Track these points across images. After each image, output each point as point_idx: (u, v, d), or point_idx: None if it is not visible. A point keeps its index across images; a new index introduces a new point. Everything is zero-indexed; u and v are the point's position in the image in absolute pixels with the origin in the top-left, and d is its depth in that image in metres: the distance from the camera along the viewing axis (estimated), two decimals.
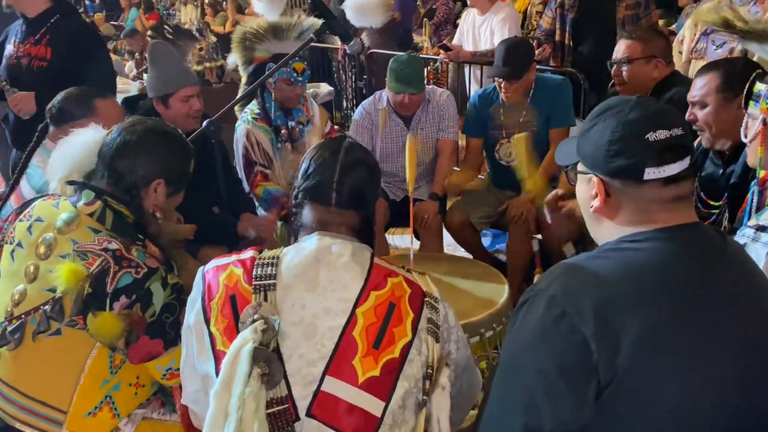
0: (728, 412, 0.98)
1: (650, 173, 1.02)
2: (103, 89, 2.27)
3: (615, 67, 2.50)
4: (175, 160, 1.58)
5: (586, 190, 1.13)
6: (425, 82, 2.89)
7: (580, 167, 1.14)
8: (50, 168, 1.70)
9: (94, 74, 2.77)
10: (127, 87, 4.70)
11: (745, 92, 1.57)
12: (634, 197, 1.05)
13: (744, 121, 1.58)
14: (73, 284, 1.37)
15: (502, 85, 2.86)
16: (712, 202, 1.88)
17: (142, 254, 1.44)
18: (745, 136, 1.57)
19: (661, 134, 1.02)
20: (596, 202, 1.09)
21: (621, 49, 2.49)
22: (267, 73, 2.45)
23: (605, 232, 1.11)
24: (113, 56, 7.33)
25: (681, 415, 0.96)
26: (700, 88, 1.86)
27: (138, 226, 1.52)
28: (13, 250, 1.51)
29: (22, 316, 1.43)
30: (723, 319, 1.00)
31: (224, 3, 8.81)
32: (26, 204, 1.60)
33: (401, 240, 3.58)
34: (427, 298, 1.19)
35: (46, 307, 1.41)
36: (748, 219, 1.60)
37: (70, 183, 1.56)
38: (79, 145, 1.63)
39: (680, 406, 0.96)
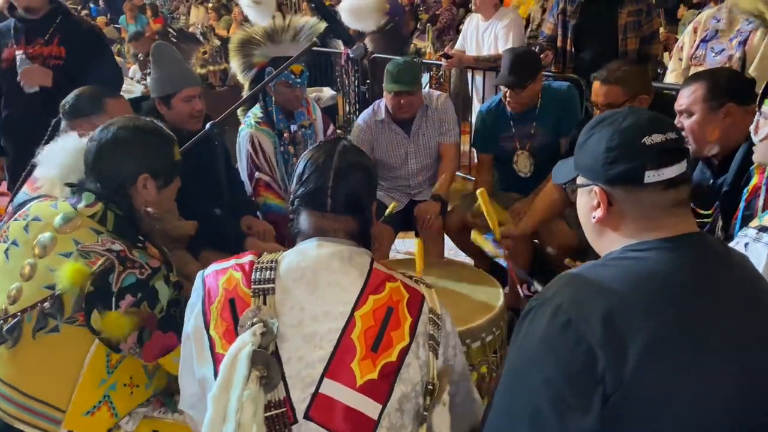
0: (734, 421, 0.98)
1: (650, 176, 1.03)
2: (113, 85, 2.29)
3: (598, 112, 2.41)
4: (155, 152, 1.57)
5: (587, 202, 1.14)
6: (422, 86, 2.90)
7: (580, 180, 1.15)
8: (40, 168, 1.71)
9: (105, 72, 2.88)
10: (131, 89, 4.73)
11: (761, 91, 1.59)
12: (636, 204, 1.06)
13: (755, 119, 1.59)
14: (76, 283, 1.38)
15: (507, 95, 2.87)
16: (700, 211, 1.89)
17: (144, 255, 1.46)
18: (755, 134, 1.58)
19: (657, 137, 1.04)
20: (598, 213, 1.10)
21: (600, 94, 2.41)
22: (267, 78, 2.46)
23: (607, 244, 1.12)
24: (117, 59, 7.37)
25: (686, 423, 0.97)
26: (686, 97, 1.89)
27: (136, 227, 1.52)
28: (7, 249, 1.51)
29: (19, 314, 1.43)
30: (727, 329, 1.00)
31: (231, 4, 8.84)
32: (22, 204, 1.61)
33: (403, 244, 3.58)
34: (431, 315, 1.19)
35: (45, 303, 1.41)
36: (740, 228, 1.61)
37: (69, 185, 1.57)
38: (65, 151, 1.64)
39: (686, 415, 0.96)
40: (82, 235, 1.45)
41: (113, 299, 1.39)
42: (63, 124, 2.11)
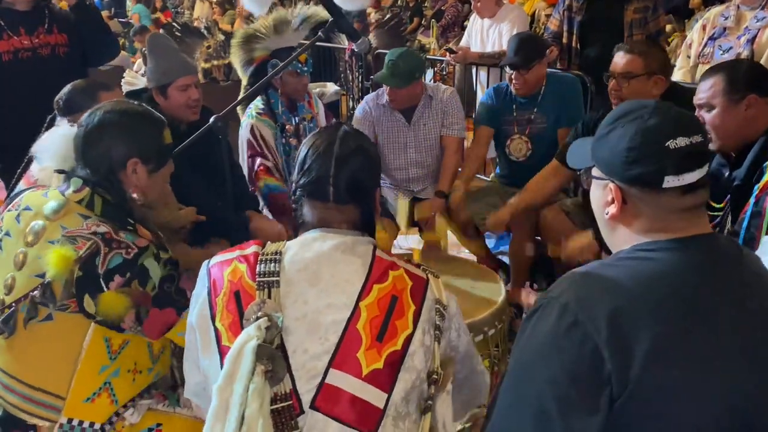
0: (740, 425, 0.97)
1: (669, 181, 1.01)
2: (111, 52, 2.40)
3: (613, 81, 2.42)
4: (144, 136, 1.55)
5: (602, 196, 1.12)
6: (417, 79, 2.89)
7: (596, 172, 1.13)
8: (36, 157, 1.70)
9: (101, 48, 3.01)
10: (135, 83, 4.72)
11: None
12: (652, 205, 1.05)
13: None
14: (63, 269, 1.37)
15: (512, 77, 2.89)
16: (713, 204, 1.87)
17: (131, 236, 1.44)
18: None
19: (682, 141, 1.01)
20: (612, 209, 1.08)
21: (620, 63, 2.40)
22: (275, 69, 2.45)
23: (619, 239, 1.10)
24: (121, 52, 7.39)
25: (692, 426, 0.96)
26: (705, 90, 1.86)
27: (127, 211, 1.51)
28: (1, 240, 1.51)
29: (13, 304, 1.43)
30: (737, 332, 0.99)
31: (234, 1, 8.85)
32: (17, 194, 1.61)
33: (405, 240, 3.58)
34: (437, 305, 1.19)
35: (35, 292, 1.41)
36: (748, 223, 1.59)
37: (59, 172, 1.55)
38: (60, 140, 1.62)
39: (692, 419, 0.95)
40: (69, 221, 1.44)
41: (101, 281, 1.38)
42: (57, 120, 2.10)
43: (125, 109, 1.56)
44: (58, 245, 1.40)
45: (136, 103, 1.64)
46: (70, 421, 1.44)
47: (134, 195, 1.54)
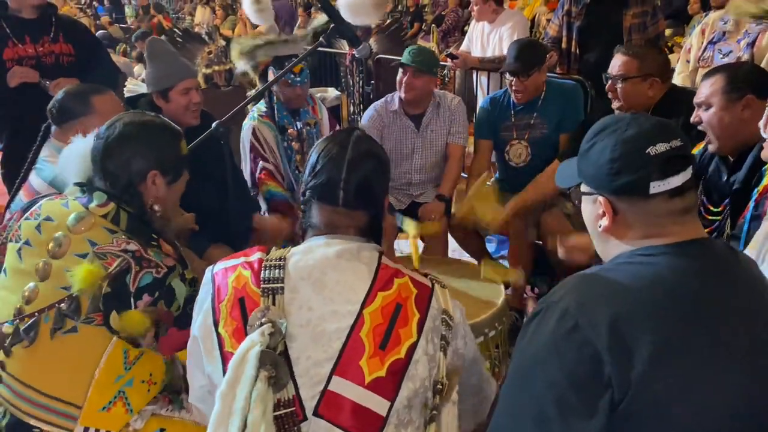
0: (741, 427, 0.98)
1: (656, 187, 1.03)
2: (113, 84, 2.28)
3: (610, 82, 2.46)
4: (162, 147, 1.56)
5: (593, 210, 1.14)
6: (434, 73, 2.96)
7: (584, 188, 1.15)
8: (61, 173, 1.70)
9: (105, 71, 2.96)
10: (136, 89, 4.74)
11: None
12: (642, 213, 1.06)
13: (765, 115, 1.57)
14: (90, 284, 1.37)
15: (512, 84, 2.91)
16: (712, 208, 1.88)
17: (159, 254, 1.46)
18: (764, 131, 1.57)
19: (661, 147, 1.03)
20: (605, 222, 1.10)
21: (616, 64, 2.44)
22: (271, 80, 2.48)
23: (615, 252, 1.11)
24: (123, 58, 7.41)
25: (694, 429, 0.96)
26: (706, 88, 1.87)
27: (148, 224, 1.52)
28: (20, 249, 1.51)
29: (36, 314, 1.43)
30: (736, 336, 0.99)
31: (236, 5, 8.90)
32: (32, 203, 1.61)
33: (406, 244, 3.58)
34: (443, 315, 1.19)
35: (62, 304, 1.41)
36: (748, 226, 1.60)
37: (78, 184, 1.56)
38: (77, 154, 1.63)
39: (693, 421, 0.96)
40: (96, 235, 1.45)
41: (131, 299, 1.40)
42: (53, 129, 2.09)
43: (145, 121, 1.58)
44: (87, 261, 1.40)
45: (153, 114, 1.65)
46: (86, 429, 1.44)
47: (154, 206, 1.55)
